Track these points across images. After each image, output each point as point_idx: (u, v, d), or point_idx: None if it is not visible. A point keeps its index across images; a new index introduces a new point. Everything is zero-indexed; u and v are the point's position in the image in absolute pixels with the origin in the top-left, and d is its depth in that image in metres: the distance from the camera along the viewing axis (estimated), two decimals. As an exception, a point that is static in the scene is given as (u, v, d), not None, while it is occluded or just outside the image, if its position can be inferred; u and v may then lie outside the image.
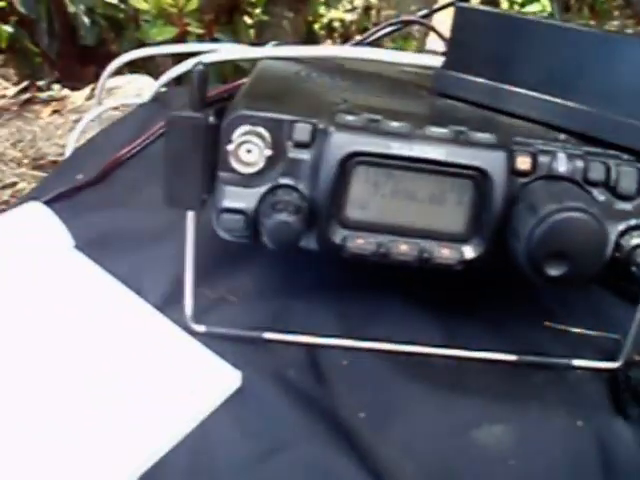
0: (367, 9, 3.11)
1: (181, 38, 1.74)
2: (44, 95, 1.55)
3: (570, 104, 0.49)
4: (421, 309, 0.56)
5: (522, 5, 3.03)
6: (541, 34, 0.50)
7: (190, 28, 1.76)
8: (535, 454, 0.47)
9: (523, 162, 0.45)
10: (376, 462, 0.44)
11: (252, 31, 2.32)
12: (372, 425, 0.47)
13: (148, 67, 1.73)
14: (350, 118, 0.45)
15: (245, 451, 0.44)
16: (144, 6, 1.77)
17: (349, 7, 3.25)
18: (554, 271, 0.43)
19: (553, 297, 0.59)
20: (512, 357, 0.53)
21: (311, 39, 2.49)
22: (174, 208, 0.47)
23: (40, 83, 1.78)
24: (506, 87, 0.51)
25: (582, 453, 0.47)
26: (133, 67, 1.64)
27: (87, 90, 1.55)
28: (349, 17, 3.20)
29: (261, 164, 0.44)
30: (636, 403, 0.50)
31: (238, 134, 0.44)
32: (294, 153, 0.45)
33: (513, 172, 0.45)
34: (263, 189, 0.45)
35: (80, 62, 1.99)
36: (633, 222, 0.47)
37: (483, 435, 0.48)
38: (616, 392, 0.52)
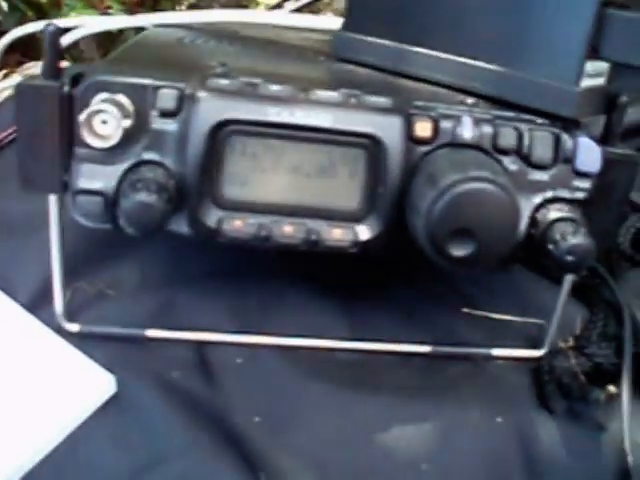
0: (305, -7, 3.05)
1: (102, 21, 1.68)
2: (-48, 82, 1.47)
3: (478, 64, 0.44)
4: (324, 298, 0.52)
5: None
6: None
7: (111, 11, 1.69)
8: (450, 456, 0.45)
9: (422, 128, 0.40)
10: (272, 473, 0.41)
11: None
12: (268, 431, 0.43)
13: (72, 53, 1.67)
14: (223, 82, 0.39)
15: (117, 467, 0.40)
16: (62, -12, 1.70)
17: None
18: (458, 251, 0.38)
19: (472, 280, 0.56)
20: (426, 348, 0.50)
21: (245, 23, 2.45)
22: (32, 192, 0.42)
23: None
24: (409, 48, 0.47)
25: (502, 452, 0.45)
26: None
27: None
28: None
29: (118, 137, 0.38)
30: (561, 395, 0.48)
31: (94, 103, 0.38)
32: (159, 124, 0.39)
33: (412, 139, 0.40)
34: (124, 166, 0.39)
35: (0, 48, 1.91)
36: (550, 194, 0.43)
37: (393, 438, 0.45)
38: (540, 384, 0.49)
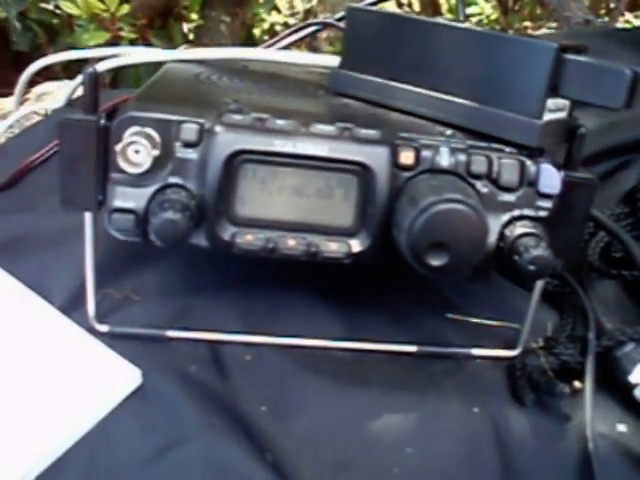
0: (308, 12, 3.12)
1: (114, 43, 1.73)
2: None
3: (455, 100, 0.50)
4: (324, 303, 0.57)
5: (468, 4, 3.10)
6: (427, 33, 0.51)
7: (123, 33, 1.75)
8: (431, 441, 0.49)
9: (406, 157, 0.46)
10: (274, 454, 0.46)
11: (191, 36, 2.32)
12: (272, 418, 0.48)
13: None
14: (236, 117, 0.46)
15: (143, 446, 0.45)
16: (76, 11, 1.76)
17: (290, 12, 3.26)
18: (435, 261, 0.44)
19: (455, 288, 0.61)
20: (412, 348, 0.54)
21: (250, 43, 2.50)
22: (70, 209, 0.48)
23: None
24: (396, 85, 0.53)
25: (477, 438, 0.49)
26: (68, 72, 1.63)
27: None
28: (292, 21, 3.21)
29: (148, 164, 0.45)
30: (531, 389, 0.52)
31: (127, 135, 0.45)
32: (182, 153, 0.46)
33: (397, 166, 0.46)
34: (153, 189, 0.46)
35: (14, 68, 1.96)
36: (516, 213, 0.48)
37: (381, 425, 0.49)
38: (513, 379, 0.53)
